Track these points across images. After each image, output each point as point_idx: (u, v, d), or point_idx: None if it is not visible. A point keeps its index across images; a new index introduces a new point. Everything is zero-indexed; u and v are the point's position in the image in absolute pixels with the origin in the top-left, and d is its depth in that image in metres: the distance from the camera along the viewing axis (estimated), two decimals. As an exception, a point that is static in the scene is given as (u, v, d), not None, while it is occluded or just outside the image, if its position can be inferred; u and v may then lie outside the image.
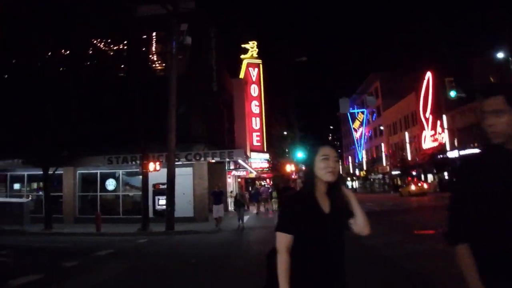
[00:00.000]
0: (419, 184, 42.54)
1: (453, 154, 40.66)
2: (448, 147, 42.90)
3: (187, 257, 11.15)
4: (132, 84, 17.51)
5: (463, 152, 37.83)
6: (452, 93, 23.55)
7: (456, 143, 41.65)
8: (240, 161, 26.89)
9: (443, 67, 36.99)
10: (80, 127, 17.75)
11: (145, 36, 20.23)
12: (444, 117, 43.15)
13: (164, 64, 20.48)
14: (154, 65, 20.59)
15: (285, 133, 50.71)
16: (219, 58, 26.88)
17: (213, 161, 22.25)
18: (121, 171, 22.76)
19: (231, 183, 33.10)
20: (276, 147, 46.26)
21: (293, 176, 34.81)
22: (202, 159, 21.58)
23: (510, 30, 30.37)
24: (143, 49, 19.73)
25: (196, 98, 21.20)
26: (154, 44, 20.45)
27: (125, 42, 19.21)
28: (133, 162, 20.99)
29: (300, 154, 40.75)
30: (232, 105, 34.88)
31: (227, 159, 24.42)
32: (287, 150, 49.71)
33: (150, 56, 20.42)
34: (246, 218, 20.58)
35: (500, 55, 26.88)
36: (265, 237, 15.57)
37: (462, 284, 2.07)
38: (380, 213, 21.61)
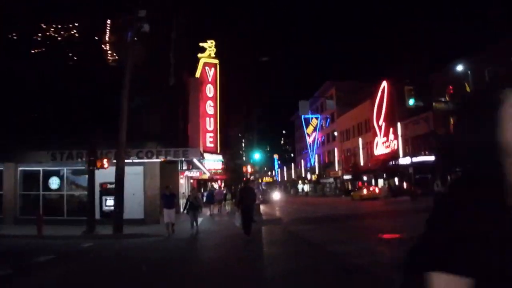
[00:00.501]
0: (371, 189, 43.04)
1: (405, 160, 41.70)
2: (401, 154, 43.91)
3: (138, 264, 10.09)
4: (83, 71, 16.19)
5: (415, 159, 38.86)
6: (411, 101, 23.88)
7: (407, 150, 42.76)
8: (195, 161, 25.80)
9: (400, 77, 37.59)
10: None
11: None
12: (399, 125, 44.13)
13: (115, 54, 19.19)
14: (107, 55, 19.21)
15: (239, 135, 50.28)
16: (179, 53, 25.73)
17: (167, 159, 21.09)
18: (65, 168, 21.13)
19: (184, 184, 31.93)
20: (233, 148, 45.62)
21: (250, 177, 34.24)
22: (155, 157, 20.39)
23: (471, 45, 31.20)
24: (96, 38, 18.32)
25: (151, 92, 19.96)
26: (108, 33, 19.05)
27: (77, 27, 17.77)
28: (79, 159, 19.46)
29: (257, 156, 40.34)
30: (187, 104, 33.70)
31: (182, 158, 23.25)
32: (241, 152, 49.26)
33: (103, 45, 19.01)
34: (199, 220, 19.61)
35: (459, 67, 27.63)
36: (221, 242, 14.79)
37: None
38: (337, 218, 21.04)
